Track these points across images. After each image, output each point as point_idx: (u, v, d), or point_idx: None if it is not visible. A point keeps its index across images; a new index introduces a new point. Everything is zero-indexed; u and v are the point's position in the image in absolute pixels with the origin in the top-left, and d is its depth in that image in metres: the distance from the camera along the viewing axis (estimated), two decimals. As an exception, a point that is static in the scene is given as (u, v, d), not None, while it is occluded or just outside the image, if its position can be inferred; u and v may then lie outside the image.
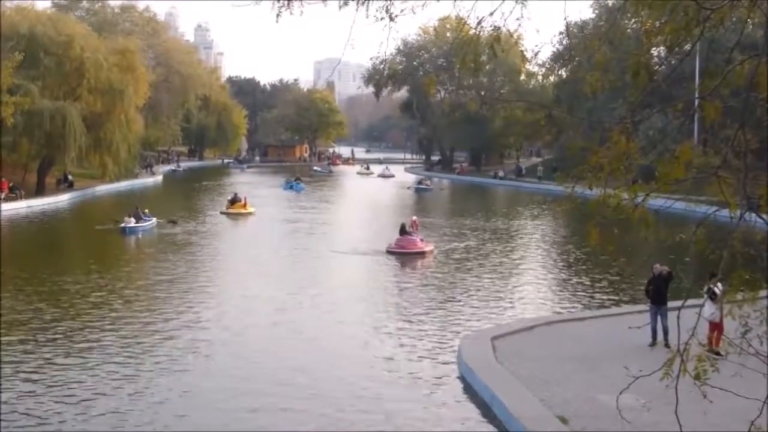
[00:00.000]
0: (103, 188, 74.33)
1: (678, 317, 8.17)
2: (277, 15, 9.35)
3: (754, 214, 7.63)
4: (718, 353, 15.16)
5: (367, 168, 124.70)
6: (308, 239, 47.24)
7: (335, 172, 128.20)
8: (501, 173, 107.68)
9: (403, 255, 39.10)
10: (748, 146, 7.70)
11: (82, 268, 34.84)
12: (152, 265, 36.20)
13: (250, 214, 58.20)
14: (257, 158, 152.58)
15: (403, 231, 40.69)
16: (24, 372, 19.64)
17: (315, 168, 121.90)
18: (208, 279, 33.34)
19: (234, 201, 59.88)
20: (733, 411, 12.27)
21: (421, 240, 40.93)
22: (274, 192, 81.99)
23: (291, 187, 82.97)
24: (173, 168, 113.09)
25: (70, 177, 71.54)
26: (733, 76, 8.00)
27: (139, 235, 46.20)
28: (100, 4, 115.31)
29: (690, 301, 9.09)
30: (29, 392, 18.15)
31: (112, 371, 19.77)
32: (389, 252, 39.65)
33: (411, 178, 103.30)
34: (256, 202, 62.08)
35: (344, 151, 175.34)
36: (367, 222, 58.37)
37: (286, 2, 9.23)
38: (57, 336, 23.04)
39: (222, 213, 58.30)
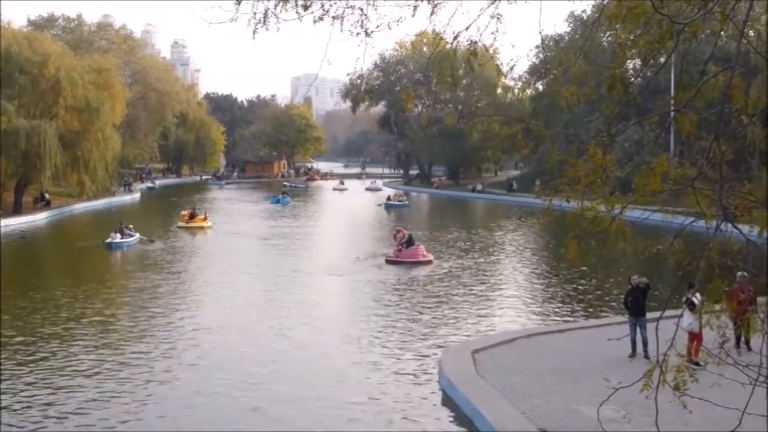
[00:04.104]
0: (80, 206, 73.90)
1: (657, 328, 8.21)
2: (254, 32, 9.37)
3: (730, 225, 7.68)
4: (697, 363, 15.23)
5: (342, 183, 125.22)
6: (291, 253, 47.24)
7: (311, 187, 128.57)
8: (479, 187, 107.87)
9: (409, 264, 40.79)
10: (723, 158, 7.76)
11: (74, 282, 34.74)
12: (136, 279, 36.15)
13: (209, 227, 60.02)
14: (235, 174, 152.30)
15: (410, 242, 42.61)
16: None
17: (285, 183, 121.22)
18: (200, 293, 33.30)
19: (193, 215, 61.19)
20: (712, 421, 12.30)
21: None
22: (262, 207, 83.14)
23: (278, 201, 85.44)
24: (149, 185, 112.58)
25: (47, 196, 71.07)
26: (707, 89, 8.06)
27: (124, 249, 46.74)
28: (76, 22, 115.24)
29: (668, 312, 9.12)
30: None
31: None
32: (390, 261, 41.55)
33: (393, 193, 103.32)
34: (241, 217, 62.26)
35: (323, 166, 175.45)
36: (346, 235, 58.65)
37: (262, 19, 9.25)
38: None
39: (179, 227, 59.10)
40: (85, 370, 21.41)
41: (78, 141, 69.66)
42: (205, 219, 61.37)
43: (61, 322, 27.12)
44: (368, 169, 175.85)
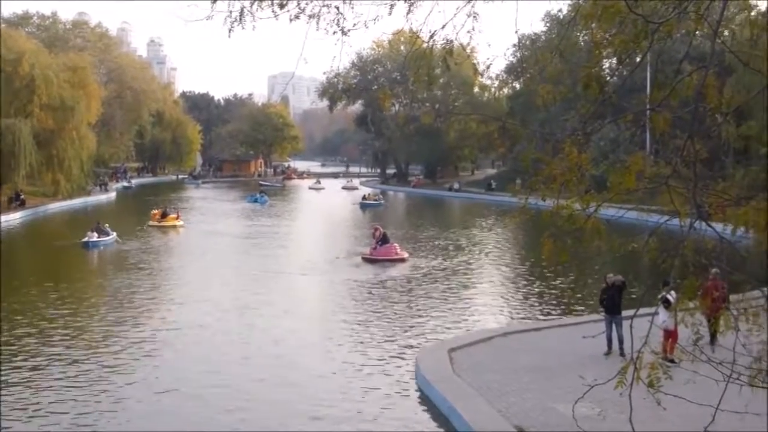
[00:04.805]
0: (55, 206, 73.36)
1: (631, 326, 8.26)
2: (230, 30, 9.34)
3: (704, 223, 7.73)
4: (672, 361, 15.32)
5: (318, 182, 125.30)
6: (268, 252, 47.16)
7: (288, 186, 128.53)
8: (456, 185, 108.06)
9: (384, 261, 40.93)
10: (697, 156, 7.81)
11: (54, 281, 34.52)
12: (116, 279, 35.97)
13: (181, 226, 60.20)
14: (211, 173, 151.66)
15: (384, 240, 42.89)
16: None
17: (261, 182, 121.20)
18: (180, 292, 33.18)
19: (165, 214, 61.09)
20: (686, 417, 12.40)
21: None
22: (239, 206, 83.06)
23: (255, 200, 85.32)
24: (125, 185, 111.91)
25: (21, 195, 70.55)
26: (682, 88, 8.11)
27: (101, 248, 46.62)
28: (51, 20, 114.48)
29: (643, 310, 9.17)
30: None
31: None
32: (366, 259, 41.70)
33: (369, 192, 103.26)
34: (218, 216, 62.08)
35: (300, 165, 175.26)
36: (323, 234, 58.66)
37: (238, 17, 9.22)
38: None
39: (150, 226, 58.84)
40: (55, 372, 21.30)
41: (53, 140, 69.30)
42: (177, 218, 61.43)
43: (29, 325, 26.86)
44: (350, 169, 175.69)
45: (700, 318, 8.34)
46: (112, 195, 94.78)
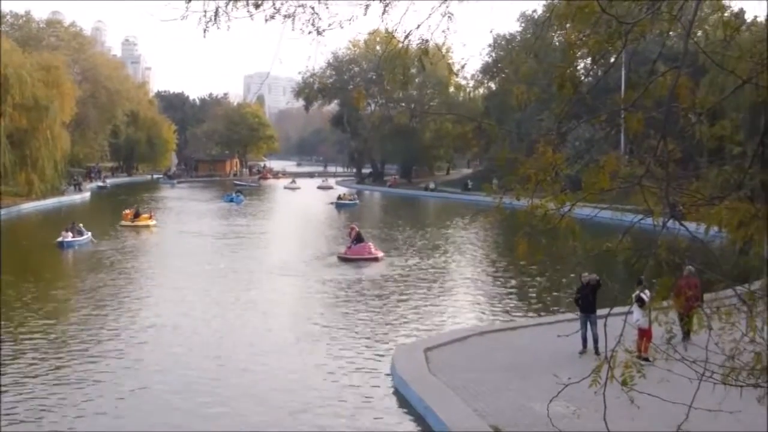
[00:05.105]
0: (29, 206, 72.70)
1: (605, 324, 8.29)
2: (204, 30, 9.29)
3: (677, 222, 7.76)
4: (647, 359, 15.43)
5: (293, 182, 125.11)
6: (243, 252, 47.02)
7: (264, 186, 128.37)
8: (432, 185, 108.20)
9: (359, 260, 41.00)
10: (670, 156, 7.85)
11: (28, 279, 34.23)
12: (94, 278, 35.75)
13: (154, 226, 60.09)
14: (186, 172, 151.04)
15: (359, 239, 43.04)
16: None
17: (237, 182, 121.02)
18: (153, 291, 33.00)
19: (137, 214, 60.83)
20: (660, 416, 12.45)
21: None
22: (214, 206, 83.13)
23: (231, 200, 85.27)
24: (100, 185, 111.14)
25: (-6, 195, 70.07)
26: (655, 88, 8.14)
27: (76, 248, 46.44)
28: (24, 18, 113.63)
29: (617, 309, 9.20)
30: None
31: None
32: (341, 258, 41.74)
33: (345, 192, 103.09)
34: (193, 216, 61.92)
35: (276, 165, 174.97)
36: (298, 234, 58.60)
37: (212, 17, 9.18)
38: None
39: (122, 226, 58.54)
40: (28, 371, 21.19)
41: (26, 139, 68.90)
42: (150, 217, 61.26)
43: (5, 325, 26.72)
44: (329, 168, 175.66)
45: (673, 317, 8.39)
46: (87, 195, 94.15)
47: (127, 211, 61.90)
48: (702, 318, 7.95)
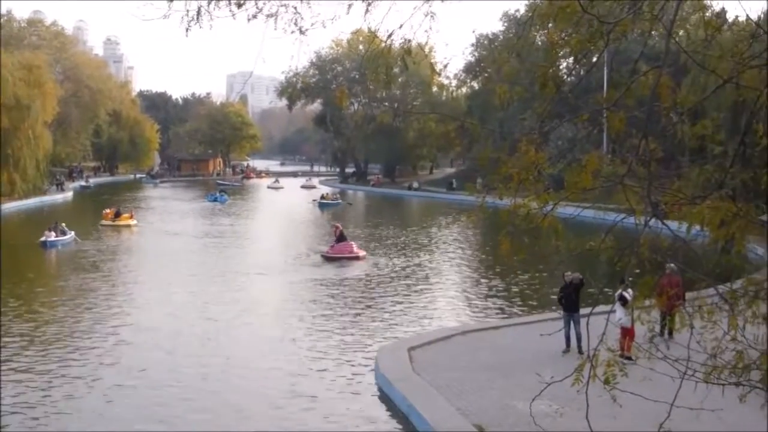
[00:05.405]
0: (11, 205, 72.25)
1: (587, 323, 8.32)
2: (187, 29, 9.27)
3: (659, 221, 7.79)
4: (629, 358, 15.48)
5: (277, 181, 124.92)
6: (226, 251, 46.92)
7: (247, 185, 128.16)
8: (415, 185, 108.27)
9: (341, 259, 41.16)
10: (652, 155, 7.87)
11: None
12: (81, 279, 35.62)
13: (135, 226, 59.87)
14: (169, 171, 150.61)
15: (341, 238, 43.07)
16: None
17: (220, 182, 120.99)
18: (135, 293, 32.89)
19: (118, 213, 60.70)
20: (642, 414, 12.49)
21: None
22: (197, 205, 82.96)
23: (215, 199, 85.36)
24: (83, 184, 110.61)
25: (-25, 195, 69.77)
26: (637, 87, 8.17)
27: (59, 248, 46.28)
28: (5, 18, 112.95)
29: (600, 308, 9.24)
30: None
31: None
32: (325, 257, 41.74)
33: (328, 191, 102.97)
34: (176, 215, 61.79)
35: (259, 164, 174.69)
36: (282, 233, 58.57)
37: (195, 16, 9.15)
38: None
39: (103, 225, 58.44)
40: (9, 371, 21.07)
41: (8, 139, 68.65)
42: (131, 217, 61.08)
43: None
44: (314, 168, 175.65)
45: (656, 316, 8.43)
46: (69, 195, 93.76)
47: (108, 211, 61.69)
48: (684, 317, 7.98)
